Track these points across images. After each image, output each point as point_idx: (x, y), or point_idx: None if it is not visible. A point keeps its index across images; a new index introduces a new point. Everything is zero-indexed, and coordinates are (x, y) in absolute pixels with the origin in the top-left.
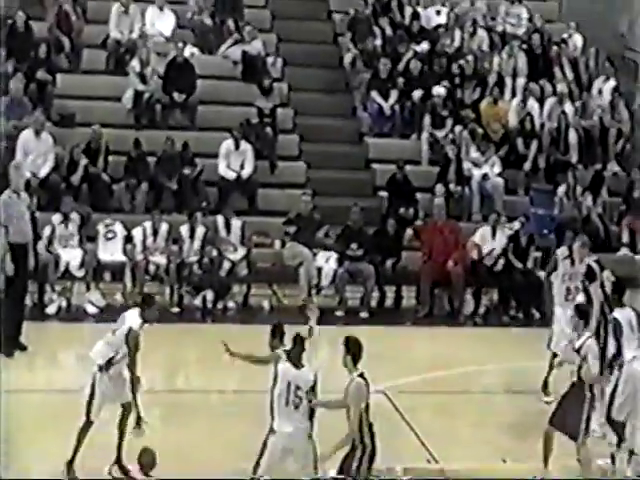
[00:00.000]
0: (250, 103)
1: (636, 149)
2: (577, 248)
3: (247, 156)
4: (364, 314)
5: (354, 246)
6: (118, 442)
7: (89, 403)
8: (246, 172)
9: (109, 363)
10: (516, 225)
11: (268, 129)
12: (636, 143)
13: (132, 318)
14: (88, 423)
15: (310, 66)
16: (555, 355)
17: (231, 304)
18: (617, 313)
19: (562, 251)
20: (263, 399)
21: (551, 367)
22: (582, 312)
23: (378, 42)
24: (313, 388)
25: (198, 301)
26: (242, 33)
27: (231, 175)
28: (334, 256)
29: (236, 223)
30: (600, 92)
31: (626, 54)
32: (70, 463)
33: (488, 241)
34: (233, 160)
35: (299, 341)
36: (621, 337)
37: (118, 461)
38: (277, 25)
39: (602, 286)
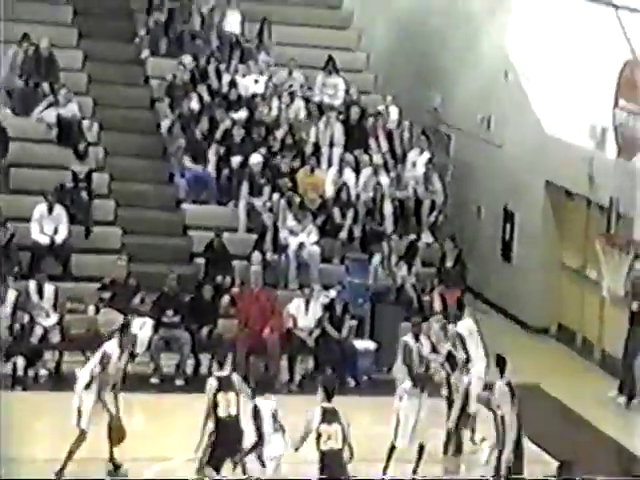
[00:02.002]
0: (65, 167)
1: (448, 220)
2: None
3: (61, 221)
4: (180, 382)
5: (170, 313)
6: None
7: None
8: (60, 237)
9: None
10: (332, 294)
11: (83, 194)
12: (448, 215)
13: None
14: None
15: (127, 131)
16: None
17: (43, 371)
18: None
19: None
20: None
21: None
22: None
23: (196, 108)
24: None
25: (8, 368)
26: (57, 96)
27: (44, 240)
28: (149, 323)
29: (49, 288)
30: (414, 164)
31: (440, 127)
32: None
33: (302, 312)
34: (46, 225)
35: None
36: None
37: None
38: (93, 89)
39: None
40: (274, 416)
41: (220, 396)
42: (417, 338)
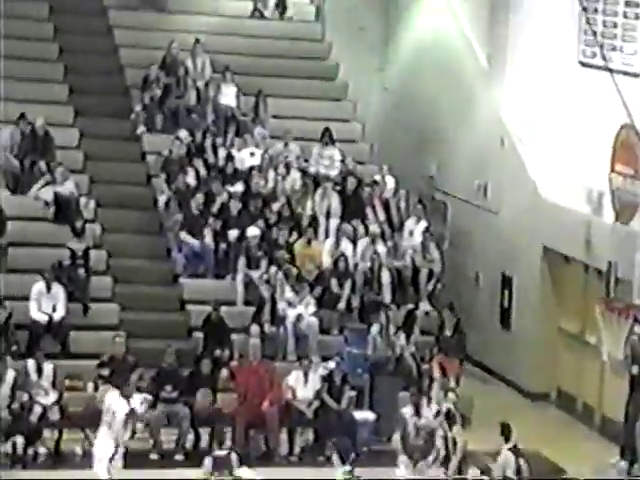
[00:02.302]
0: (62, 244)
1: (446, 288)
2: None
3: (59, 298)
4: (179, 456)
5: (168, 388)
6: None
7: None
8: (58, 315)
9: None
10: (331, 365)
11: (80, 271)
12: (447, 282)
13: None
14: None
15: (123, 207)
16: None
17: (42, 450)
18: None
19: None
20: None
21: None
22: None
23: (192, 182)
24: None
25: (7, 447)
26: (54, 174)
27: (42, 318)
28: (148, 399)
29: (47, 367)
30: (411, 233)
31: (436, 195)
32: None
33: (301, 384)
34: (44, 303)
35: None
36: None
37: None
38: (90, 166)
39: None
40: None
41: (214, 478)
42: (417, 409)
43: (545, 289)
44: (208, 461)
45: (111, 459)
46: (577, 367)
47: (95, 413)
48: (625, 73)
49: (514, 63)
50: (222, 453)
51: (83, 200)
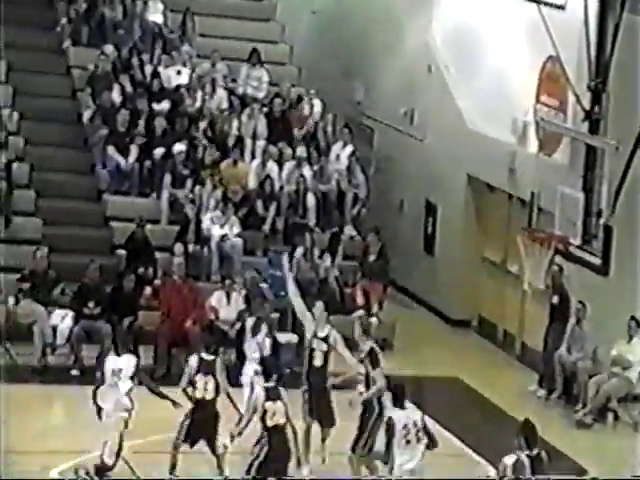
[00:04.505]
0: None
1: (371, 214)
2: None
3: None
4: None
5: (91, 304)
6: None
7: None
8: None
9: None
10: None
11: (3, 184)
12: (371, 208)
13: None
14: None
15: (48, 121)
16: None
17: None
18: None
19: None
20: None
21: None
22: None
23: (118, 99)
24: None
25: None
26: None
27: None
28: (70, 314)
29: None
30: (338, 157)
31: (363, 121)
32: None
33: (224, 305)
34: None
35: None
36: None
37: None
38: (13, 77)
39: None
40: None
41: (198, 377)
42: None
43: (469, 217)
44: (194, 360)
45: None
46: (499, 295)
47: (15, 327)
48: (552, 5)
49: None
50: (210, 357)
51: (6, 112)
